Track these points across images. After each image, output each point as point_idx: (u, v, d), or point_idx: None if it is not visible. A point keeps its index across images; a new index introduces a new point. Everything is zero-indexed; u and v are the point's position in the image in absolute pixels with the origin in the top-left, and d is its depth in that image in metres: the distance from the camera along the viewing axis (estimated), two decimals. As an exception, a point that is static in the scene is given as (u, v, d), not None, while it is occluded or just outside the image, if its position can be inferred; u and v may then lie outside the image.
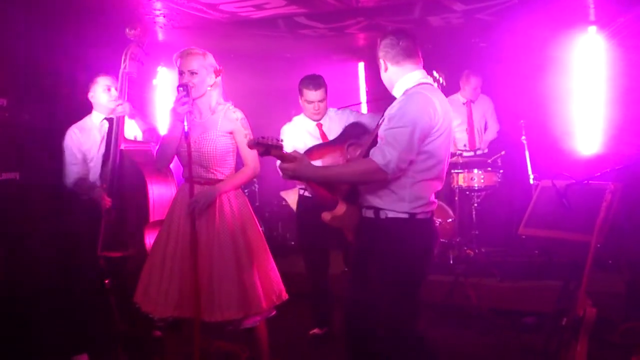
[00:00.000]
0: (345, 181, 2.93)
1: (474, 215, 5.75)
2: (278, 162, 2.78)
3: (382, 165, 2.65)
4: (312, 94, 4.21)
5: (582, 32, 6.09)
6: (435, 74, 5.32)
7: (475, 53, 6.53)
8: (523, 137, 5.81)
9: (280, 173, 2.82)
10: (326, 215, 3.01)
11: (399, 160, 2.65)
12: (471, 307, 4.77)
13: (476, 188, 5.60)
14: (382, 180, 2.73)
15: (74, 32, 4.92)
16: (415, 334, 2.89)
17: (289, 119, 4.47)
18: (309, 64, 7.00)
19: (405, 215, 2.80)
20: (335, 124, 4.27)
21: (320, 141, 4.22)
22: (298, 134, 4.31)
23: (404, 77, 2.90)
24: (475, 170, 5.58)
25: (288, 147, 4.22)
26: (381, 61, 2.96)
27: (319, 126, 4.33)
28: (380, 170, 2.66)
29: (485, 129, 6.40)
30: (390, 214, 2.81)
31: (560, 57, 6.11)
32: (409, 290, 2.87)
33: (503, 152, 5.79)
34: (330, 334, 4.48)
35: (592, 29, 6.07)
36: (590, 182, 3.56)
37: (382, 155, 2.66)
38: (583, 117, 6.18)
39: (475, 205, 5.74)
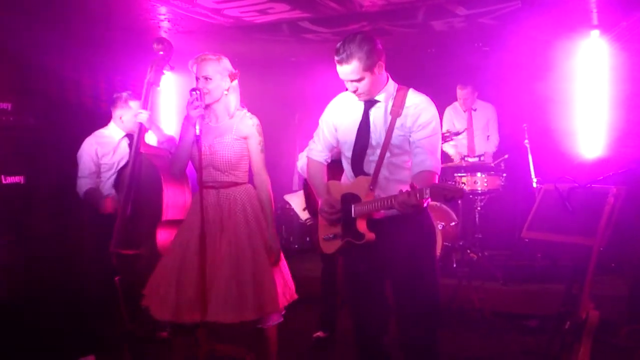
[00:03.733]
0: None
1: (477, 219, 5.76)
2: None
3: (438, 171, 2.81)
4: None
5: (584, 36, 6.09)
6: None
7: (478, 57, 6.53)
8: (526, 141, 5.80)
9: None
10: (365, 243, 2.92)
11: None
12: (474, 310, 4.79)
13: (479, 191, 5.60)
14: None
15: (80, 37, 4.96)
16: None
17: (293, 123, 4.48)
18: (312, 68, 7.01)
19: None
20: None
21: None
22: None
23: (389, 80, 2.92)
24: (479, 174, 5.58)
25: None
26: (381, 63, 2.84)
27: None
28: (438, 175, 2.83)
29: (489, 137, 6.40)
30: None
31: (563, 61, 6.12)
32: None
33: (506, 156, 5.80)
34: (333, 338, 4.49)
35: (595, 33, 6.06)
36: (593, 185, 3.56)
37: (437, 163, 2.81)
38: (586, 121, 6.19)
39: (479, 208, 5.75)
